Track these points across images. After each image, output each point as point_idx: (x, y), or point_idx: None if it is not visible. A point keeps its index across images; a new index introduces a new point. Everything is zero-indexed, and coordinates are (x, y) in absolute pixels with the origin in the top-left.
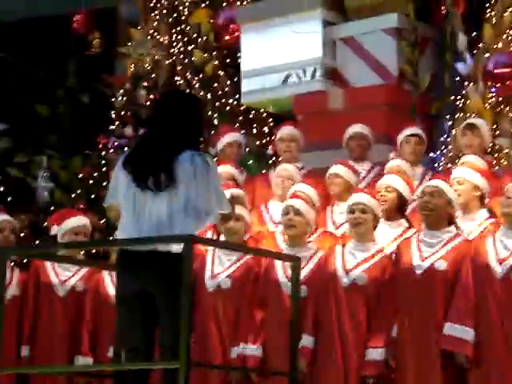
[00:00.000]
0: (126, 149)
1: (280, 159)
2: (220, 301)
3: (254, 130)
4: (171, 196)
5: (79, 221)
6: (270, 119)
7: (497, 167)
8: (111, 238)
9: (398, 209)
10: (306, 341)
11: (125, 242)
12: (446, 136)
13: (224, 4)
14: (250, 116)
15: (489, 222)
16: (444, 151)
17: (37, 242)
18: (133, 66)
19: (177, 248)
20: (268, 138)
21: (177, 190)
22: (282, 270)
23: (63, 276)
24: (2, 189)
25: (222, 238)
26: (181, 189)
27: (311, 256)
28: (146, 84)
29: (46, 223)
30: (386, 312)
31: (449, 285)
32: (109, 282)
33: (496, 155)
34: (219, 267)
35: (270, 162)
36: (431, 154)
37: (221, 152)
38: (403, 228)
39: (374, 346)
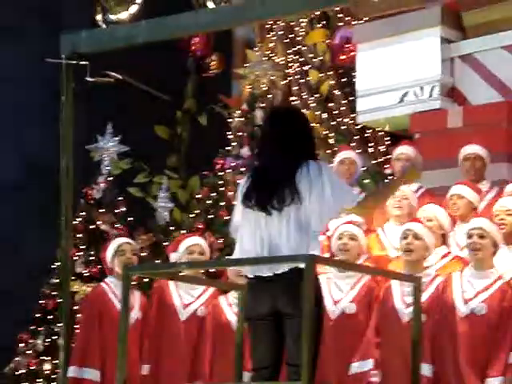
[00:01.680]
0: (242, 170)
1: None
2: (342, 326)
3: (371, 149)
4: (296, 212)
5: (192, 240)
6: (387, 138)
7: None
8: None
9: None
10: (425, 369)
11: (244, 261)
12: None
13: (340, 24)
14: (367, 135)
15: None
16: None
17: (157, 261)
18: (249, 86)
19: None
20: (384, 157)
21: (300, 205)
22: (399, 296)
23: (186, 300)
24: (123, 209)
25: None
26: (304, 203)
27: (430, 282)
28: (262, 104)
29: (166, 243)
30: (505, 341)
31: None
32: (225, 306)
33: None
34: (339, 293)
35: (387, 181)
36: None
37: (336, 171)
38: None
39: (493, 376)
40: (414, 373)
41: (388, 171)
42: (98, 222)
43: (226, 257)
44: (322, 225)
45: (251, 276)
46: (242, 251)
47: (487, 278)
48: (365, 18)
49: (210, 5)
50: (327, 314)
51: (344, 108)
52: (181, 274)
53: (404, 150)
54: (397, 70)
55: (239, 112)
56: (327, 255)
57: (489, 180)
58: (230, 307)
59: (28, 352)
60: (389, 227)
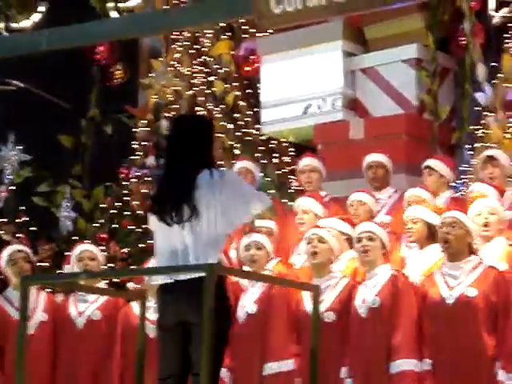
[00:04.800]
0: (146, 179)
1: (297, 190)
2: (250, 327)
3: (275, 160)
4: (195, 226)
5: (81, 247)
6: (291, 149)
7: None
8: (132, 267)
9: (430, 237)
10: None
11: (146, 271)
12: (466, 165)
13: (245, 36)
14: (271, 146)
15: (507, 250)
16: (465, 180)
17: (59, 271)
18: (155, 96)
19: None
20: (289, 168)
21: (200, 219)
22: (309, 300)
23: (81, 307)
24: (25, 218)
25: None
26: (204, 216)
27: (336, 283)
28: (167, 114)
29: (68, 253)
30: (399, 330)
31: (481, 310)
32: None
33: None
34: (247, 297)
35: (291, 191)
36: (451, 184)
37: None
38: (434, 254)
39: (402, 358)
40: (312, 377)
41: (293, 182)
42: (0, 232)
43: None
44: (228, 233)
45: (157, 283)
46: (155, 257)
47: (377, 276)
48: (269, 31)
49: (114, 14)
50: (237, 318)
51: (249, 119)
52: (80, 284)
53: (308, 162)
54: (300, 82)
55: (144, 121)
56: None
57: (390, 188)
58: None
59: None
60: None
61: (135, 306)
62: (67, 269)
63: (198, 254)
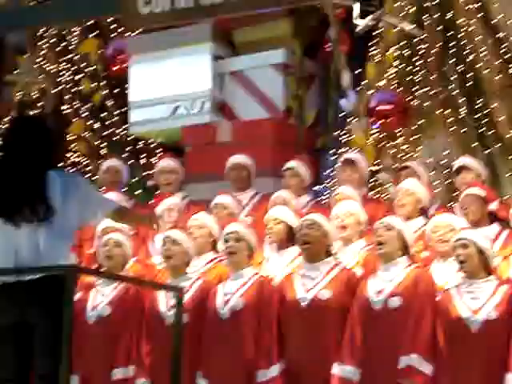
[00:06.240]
0: None
1: (159, 191)
2: (102, 329)
3: (143, 161)
4: (47, 224)
5: None
6: (158, 150)
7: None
8: None
9: (290, 238)
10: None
11: (6, 271)
12: (330, 170)
13: (113, 34)
14: (138, 146)
15: (365, 253)
16: (328, 184)
17: None
18: (19, 93)
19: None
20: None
21: (52, 217)
22: (164, 300)
23: None
24: None
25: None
26: (56, 215)
27: (191, 285)
28: (32, 112)
29: None
30: (269, 334)
31: (334, 312)
32: None
33: (377, 190)
34: (100, 297)
35: (157, 192)
36: (316, 187)
37: (102, 180)
38: (293, 256)
39: (263, 368)
40: (174, 378)
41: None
42: None
43: None
44: (73, 236)
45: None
46: None
47: (243, 277)
48: (138, 30)
49: None
50: (85, 319)
51: (117, 119)
52: None
53: (166, 163)
54: (169, 84)
55: (8, 119)
56: None
57: (252, 190)
58: None
59: None
60: (159, 236)
61: None
62: None
63: (48, 254)
